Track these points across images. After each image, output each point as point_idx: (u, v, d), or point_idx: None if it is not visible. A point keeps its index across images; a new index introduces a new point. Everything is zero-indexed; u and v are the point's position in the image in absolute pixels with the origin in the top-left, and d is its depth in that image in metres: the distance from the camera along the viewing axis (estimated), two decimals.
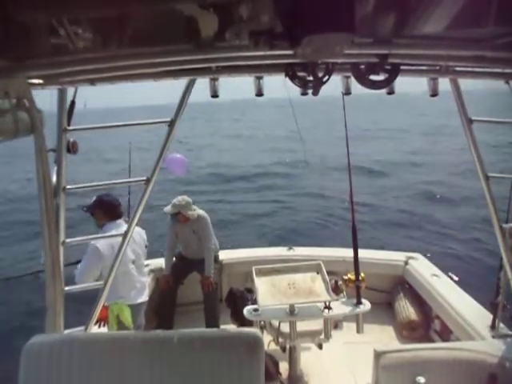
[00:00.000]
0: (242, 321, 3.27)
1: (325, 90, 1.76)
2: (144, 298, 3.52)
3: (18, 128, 1.58)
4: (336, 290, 3.18)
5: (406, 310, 4.09)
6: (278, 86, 1.94)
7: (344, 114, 3.39)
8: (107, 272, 2.45)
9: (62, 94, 2.08)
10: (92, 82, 1.83)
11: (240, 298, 3.75)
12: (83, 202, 3.54)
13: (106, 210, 3.41)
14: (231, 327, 3.70)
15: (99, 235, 3.21)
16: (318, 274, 3.17)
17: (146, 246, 3.70)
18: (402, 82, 1.79)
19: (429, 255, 4.77)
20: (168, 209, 4.14)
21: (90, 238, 2.53)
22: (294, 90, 1.80)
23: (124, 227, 2.78)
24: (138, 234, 3.61)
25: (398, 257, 4.60)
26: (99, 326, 3.26)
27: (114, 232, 3.20)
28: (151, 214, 7.93)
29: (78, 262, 3.31)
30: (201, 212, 4.26)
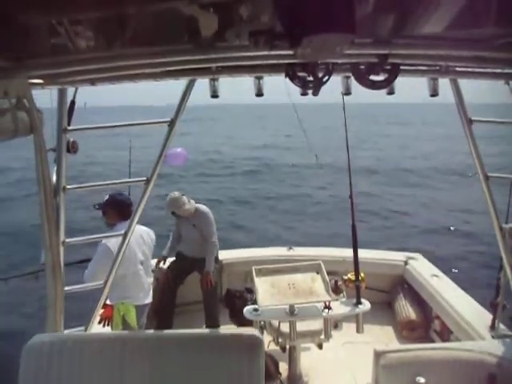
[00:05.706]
0: (241, 321, 3.26)
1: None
2: (149, 299, 3.50)
3: (17, 128, 1.58)
4: (336, 290, 3.18)
5: (406, 310, 4.09)
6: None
7: (344, 115, 3.39)
8: (117, 271, 2.45)
9: (62, 94, 2.08)
10: (92, 82, 1.83)
11: (239, 299, 3.74)
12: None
13: (118, 209, 3.32)
14: (231, 327, 3.69)
15: (100, 235, 3.19)
16: (317, 274, 3.17)
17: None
18: None
19: (429, 255, 4.76)
20: (165, 210, 4.12)
21: (90, 238, 2.53)
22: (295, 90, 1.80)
23: (136, 228, 2.73)
24: (148, 234, 3.56)
25: (397, 257, 4.60)
26: (104, 325, 3.22)
27: None
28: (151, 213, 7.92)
29: (82, 261, 3.29)
30: (200, 206, 4.15)
